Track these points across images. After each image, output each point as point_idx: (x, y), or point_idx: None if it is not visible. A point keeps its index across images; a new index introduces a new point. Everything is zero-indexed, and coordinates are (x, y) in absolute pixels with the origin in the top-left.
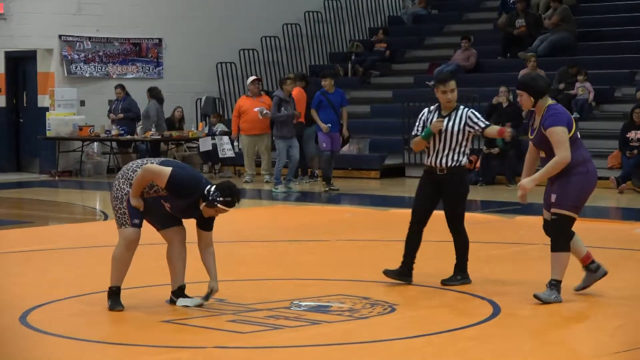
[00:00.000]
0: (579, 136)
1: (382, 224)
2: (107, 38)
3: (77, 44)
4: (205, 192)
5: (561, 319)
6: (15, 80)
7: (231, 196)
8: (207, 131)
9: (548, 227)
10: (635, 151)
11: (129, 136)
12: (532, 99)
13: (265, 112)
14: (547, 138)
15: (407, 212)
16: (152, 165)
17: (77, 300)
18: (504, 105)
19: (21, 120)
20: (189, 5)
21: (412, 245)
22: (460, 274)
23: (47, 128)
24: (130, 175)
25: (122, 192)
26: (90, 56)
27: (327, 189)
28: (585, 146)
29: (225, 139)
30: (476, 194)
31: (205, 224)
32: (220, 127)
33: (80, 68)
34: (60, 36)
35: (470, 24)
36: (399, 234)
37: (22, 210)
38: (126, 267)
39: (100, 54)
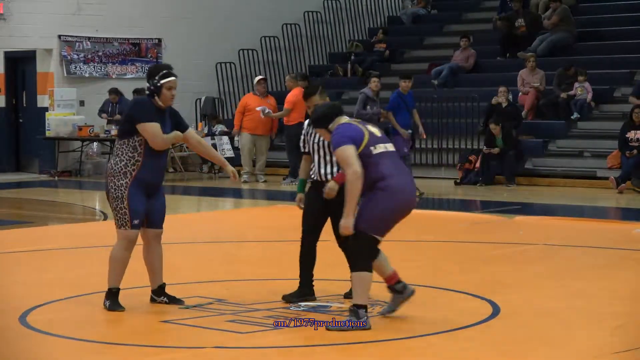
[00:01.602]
0: (375, 152)
1: None
2: (107, 38)
3: (77, 44)
4: (149, 92)
5: (561, 319)
6: (14, 80)
7: (162, 69)
8: (206, 131)
9: (348, 243)
10: (635, 151)
11: None
12: (326, 130)
13: (267, 111)
14: None
15: None
16: (151, 140)
17: (76, 300)
18: (504, 105)
19: (21, 121)
20: (189, 6)
21: (309, 262)
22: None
23: (46, 128)
24: (119, 169)
25: (120, 190)
26: (89, 56)
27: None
28: (391, 162)
29: (225, 139)
30: (475, 194)
31: (180, 124)
32: (219, 127)
33: (80, 68)
34: (59, 36)
35: (469, 24)
36: (398, 234)
37: (22, 210)
38: (125, 268)
39: (100, 54)
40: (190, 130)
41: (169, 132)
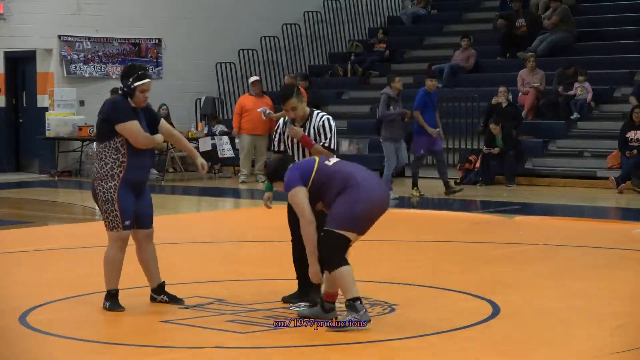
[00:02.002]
0: (330, 163)
1: (381, 225)
2: (107, 38)
3: (77, 44)
4: (122, 93)
5: (561, 319)
6: (14, 80)
7: (136, 71)
8: (206, 131)
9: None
10: (635, 151)
11: None
12: (282, 182)
13: (268, 112)
14: None
15: (407, 212)
16: (133, 140)
17: (76, 300)
18: (504, 105)
19: (21, 121)
20: (189, 6)
21: (304, 267)
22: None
23: (46, 128)
24: (106, 173)
25: (109, 192)
26: (89, 56)
27: (420, 194)
28: (352, 165)
29: (225, 139)
30: (475, 193)
31: (153, 118)
32: (219, 127)
33: (80, 68)
34: (59, 36)
35: (469, 24)
36: (398, 234)
37: (22, 210)
38: (120, 269)
39: (100, 54)
40: (163, 121)
41: (147, 129)
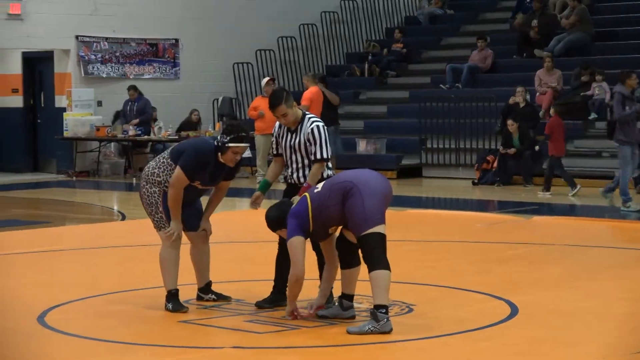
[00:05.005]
0: (318, 187)
1: (399, 224)
2: (124, 39)
3: (94, 44)
4: (216, 145)
5: (579, 319)
6: (32, 80)
7: (237, 132)
8: None
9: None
10: None
11: (146, 136)
12: (284, 230)
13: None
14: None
15: (424, 213)
16: (171, 185)
17: (94, 300)
18: (521, 105)
19: (38, 121)
20: (206, 6)
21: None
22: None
23: (64, 128)
24: (154, 179)
25: (153, 197)
26: (107, 57)
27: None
28: (340, 174)
29: None
30: (493, 194)
31: (229, 174)
32: None
33: (97, 68)
34: (77, 37)
35: (486, 24)
36: (416, 234)
37: (39, 210)
38: (177, 267)
39: (117, 54)
40: (229, 183)
41: (219, 180)
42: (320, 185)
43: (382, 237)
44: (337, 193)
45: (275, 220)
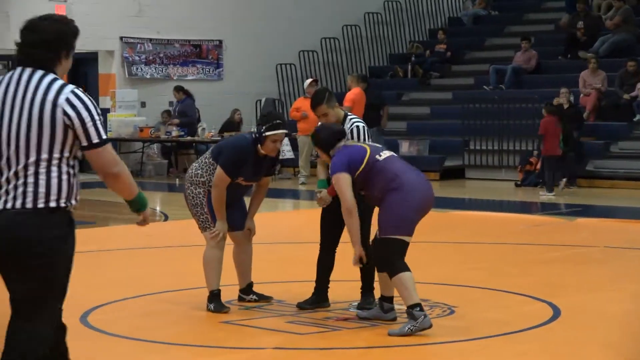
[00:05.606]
0: (381, 158)
1: (443, 226)
2: (168, 40)
3: (138, 45)
4: (254, 138)
5: (621, 322)
6: (76, 81)
7: (273, 120)
8: None
9: (375, 252)
10: None
11: (189, 137)
12: (325, 153)
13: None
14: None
15: (466, 214)
16: (214, 185)
17: (137, 300)
18: (565, 106)
19: None
20: (249, 7)
21: (327, 268)
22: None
23: (108, 129)
24: (198, 179)
25: (198, 198)
26: (151, 58)
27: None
28: (400, 163)
29: (285, 140)
30: (535, 196)
31: (270, 169)
32: None
33: (141, 69)
34: (121, 38)
35: (530, 24)
36: (458, 236)
37: (83, 211)
38: (220, 267)
39: (161, 55)
40: (269, 178)
41: (261, 174)
42: (383, 156)
43: (404, 245)
44: (384, 182)
45: (325, 140)
